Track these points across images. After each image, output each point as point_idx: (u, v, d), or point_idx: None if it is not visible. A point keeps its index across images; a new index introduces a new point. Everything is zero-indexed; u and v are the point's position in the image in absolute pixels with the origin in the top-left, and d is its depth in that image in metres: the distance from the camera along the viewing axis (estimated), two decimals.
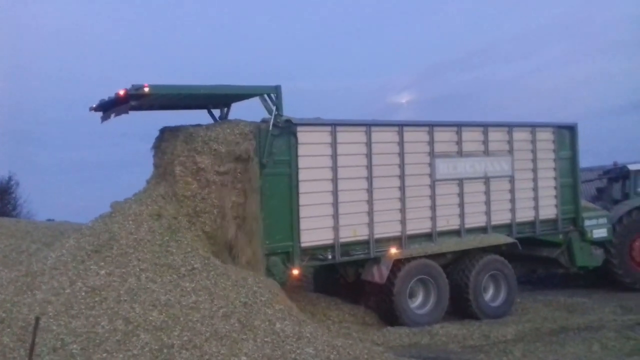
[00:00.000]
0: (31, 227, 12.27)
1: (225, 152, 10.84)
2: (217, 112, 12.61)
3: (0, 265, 9.69)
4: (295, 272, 11.65)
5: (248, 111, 12.12)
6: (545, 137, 15.19)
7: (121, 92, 10.14)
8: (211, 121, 12.29)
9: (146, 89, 9.90)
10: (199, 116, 12.52)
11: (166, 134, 11.53)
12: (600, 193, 19.28)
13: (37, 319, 7.51)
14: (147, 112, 12.03)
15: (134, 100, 10.20)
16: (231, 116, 12.42)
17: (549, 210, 15.20)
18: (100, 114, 11.37)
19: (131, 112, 10.88)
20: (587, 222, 15.95)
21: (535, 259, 16.32)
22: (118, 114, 10.99)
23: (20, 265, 9.54)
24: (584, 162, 16.90)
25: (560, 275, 17.89)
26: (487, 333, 11.86)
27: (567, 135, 15.64)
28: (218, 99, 12.21)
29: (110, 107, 11.08)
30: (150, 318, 8.41)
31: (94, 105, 11.26)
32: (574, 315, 13.45)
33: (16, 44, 71.47)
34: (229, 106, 12.59)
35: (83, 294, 8.60)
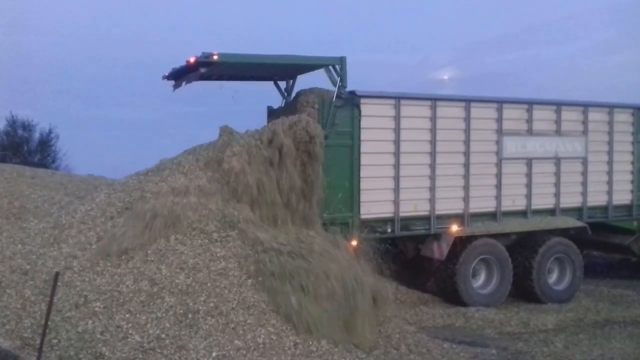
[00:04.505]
0: (66, 179, 11.48)
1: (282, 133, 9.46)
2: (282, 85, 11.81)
3: (31, 215, 8.89)
4: (354, 243, 10.60)
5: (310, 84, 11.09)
6: (624, 119, 13.23)
7: (191, 60, 9.48)
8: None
9: (215, 57, 9.24)
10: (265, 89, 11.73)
11: None
12: None
13: (57, 274, 6.55)
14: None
15: (204, 67, 9.53)
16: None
17: (623, 195, 13.32)
18: (172, 82, 10.57)
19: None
20: None
21: (605, 245, 14.40)
22: (189, 81, 10.34)
23: (49, 217, 8.64)
24: None
25: (601, 264, 15.86)
26: (526, 320, 10.50)
27: None
28: (284, 70, 11.30)
29: (181, 75, 10.39)
30: (177, 281, 7.32)
31: (167, 74, 10.62)
32: (619, 307, 11.73)
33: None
34: (294, 78, 11.73)
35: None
